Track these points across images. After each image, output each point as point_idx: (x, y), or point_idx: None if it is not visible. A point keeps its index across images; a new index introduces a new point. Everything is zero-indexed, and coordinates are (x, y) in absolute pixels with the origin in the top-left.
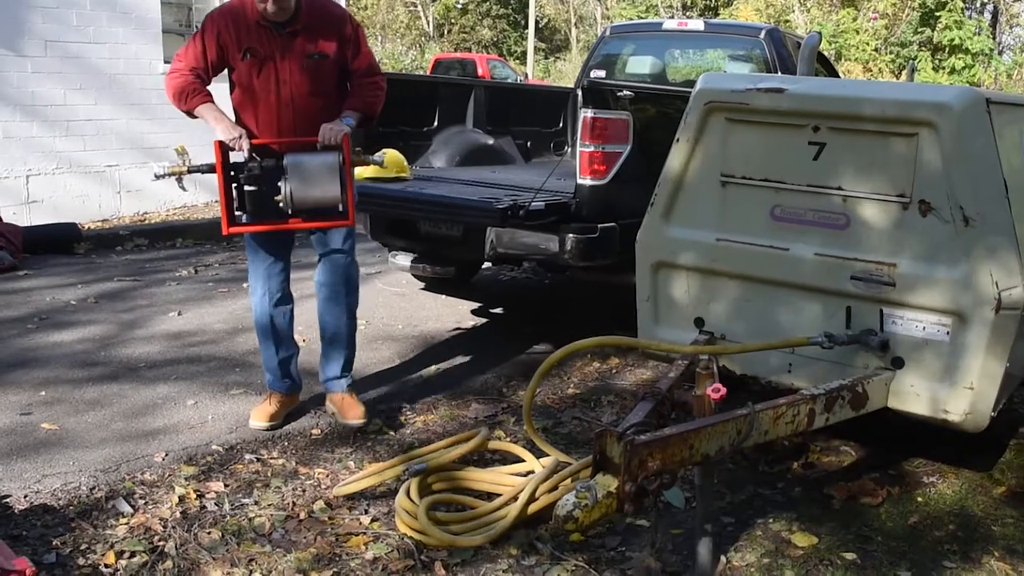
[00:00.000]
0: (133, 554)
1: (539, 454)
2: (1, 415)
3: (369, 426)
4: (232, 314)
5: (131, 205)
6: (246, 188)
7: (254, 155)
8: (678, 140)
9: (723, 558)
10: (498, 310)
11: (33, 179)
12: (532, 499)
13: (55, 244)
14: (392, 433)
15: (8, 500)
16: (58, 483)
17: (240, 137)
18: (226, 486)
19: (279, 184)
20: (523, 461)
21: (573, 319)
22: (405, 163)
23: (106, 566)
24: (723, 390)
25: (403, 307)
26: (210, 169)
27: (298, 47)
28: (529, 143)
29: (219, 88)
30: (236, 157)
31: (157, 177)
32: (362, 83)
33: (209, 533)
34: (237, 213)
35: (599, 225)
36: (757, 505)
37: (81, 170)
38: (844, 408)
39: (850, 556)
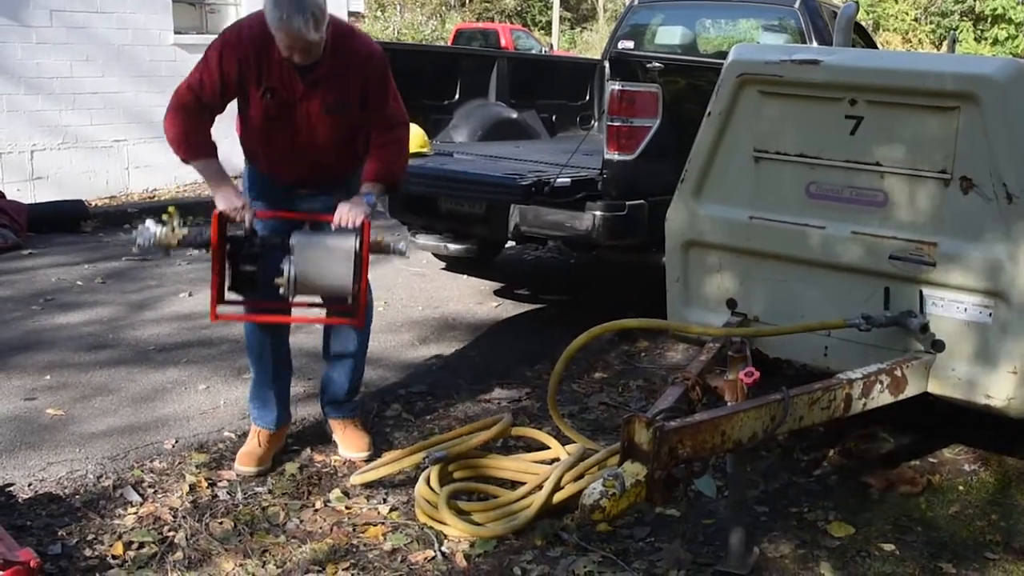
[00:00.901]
0: (142, 545)
1: (565, 441)
2: (4, 400)
3: (387, 411)
4: None
5: (140, 181)
6: (243, 267)
7: (255, 229)
8: (709, 114)
9: (756, 549)
10: (522, 291)
11: (38, 154)
12: (557, 488)
13: (61, 222)
14: (411, 419)
15: (12, 489)
16: (64, 471)
17: (243, 208)
18: (238, 475)
19: (282, 266)
20: (548, 448)
21: (600, 300)
22: (425, 138)
23: (114, 557)
24: (756, 374)
25: (423, 288)
26: (205, 244)
27: (320, 94)
28: (554, 117)
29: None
30: (236, 217)
31: (139, 248)
32: (384, 142)
33: (221, 523)
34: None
35: (627, 203)
36: (792, 494)
37: (88, 145)
38: (882, 393)
39: (889, 547)
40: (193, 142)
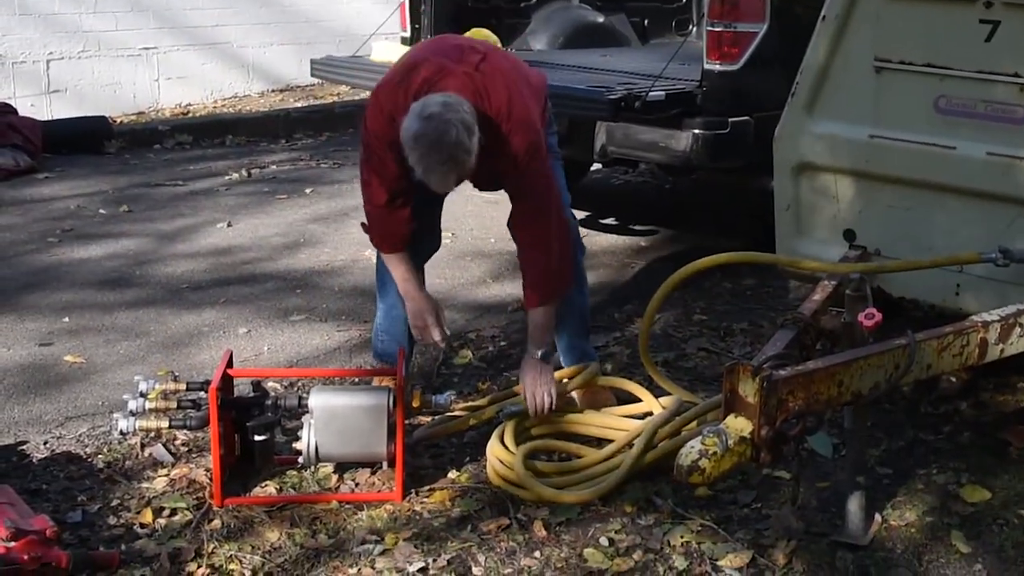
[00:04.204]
0: (174, 512)
1: (658, 392)
2: (17, 346)
3: (455, 357)
4: (292, 226)
5: (171, 95)
6: (256, 438)
7: (265, 390)
8: (824, 17)
9: (878, 516)
10: (609, 220)
11: (55, 64)
12: (650, 446)
13: (81, 141)
14: (483, 367)
15: (25, 448)
16: (84, 427)
17: (427, 328)
18: (285, 432)
19: (299, 432)
20: (639, 401)
21: (699, 231)
22: (499, 44)
23: (142, 526)
24: (878, 316)
25: (496, 217)
26: (202, 423)
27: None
28: (646, 21)
29: None
30: (242, 380)
31: (123, 435)
32: (530, 241)
33: (265, 487)
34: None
35: (730, 119)
36: (918, 453)
37: (112, 53)
38: (1023, 338)
39: None
40: (390, 234)
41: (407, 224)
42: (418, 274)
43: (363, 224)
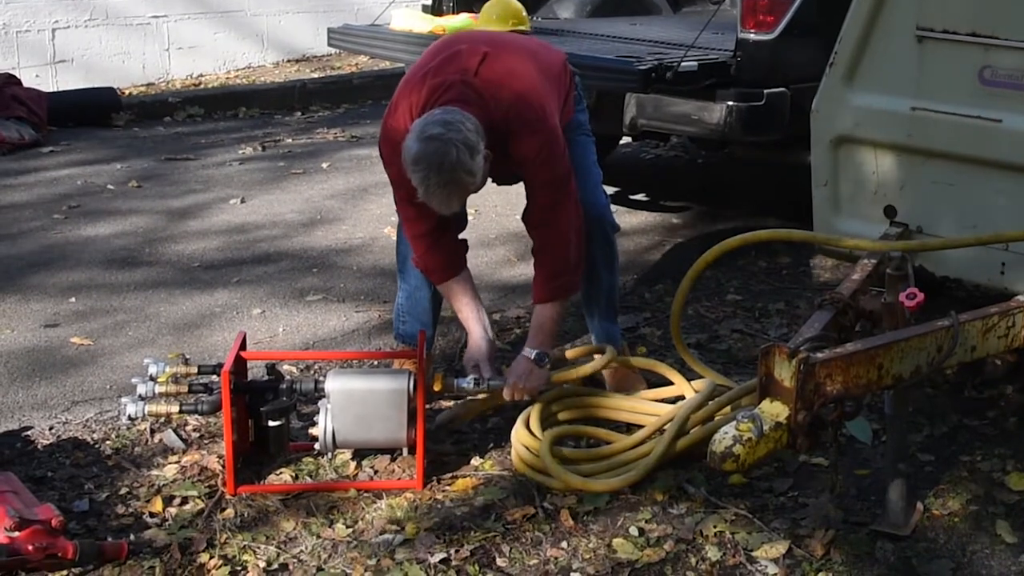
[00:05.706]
0: (185, 500)
1: (691, 376)
2: (21, 327)
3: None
4: (308, 202)
5: (182, 65)
6: (270, 424)
7: (280, 373)
8: None
9: (920, 505)
10: (639, 196)
11: (60, 33)
12: (682, 432)
13: (88, 114)
14: (508, 349)
15: (30, 434)
16: (91, 412)
17: (482, 363)
18: (301, 417)
19: (316, 417)
20: (671, 384)
21: (733, 208)
22: (523, 13)
23: (151, 515)
24: (920, 296)
25: (521, 194)
26: (214, 408)
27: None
28: None
29: None
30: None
31: (132, 420)
32: (543, 243)
33: (280, 475)
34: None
35: (765, 91)
36: (962, 439)
37: (120, 22)
38: None
39: None
40: (432, 269)
41: (455, 247)
42: (481, 304)
43: (414, 259)
